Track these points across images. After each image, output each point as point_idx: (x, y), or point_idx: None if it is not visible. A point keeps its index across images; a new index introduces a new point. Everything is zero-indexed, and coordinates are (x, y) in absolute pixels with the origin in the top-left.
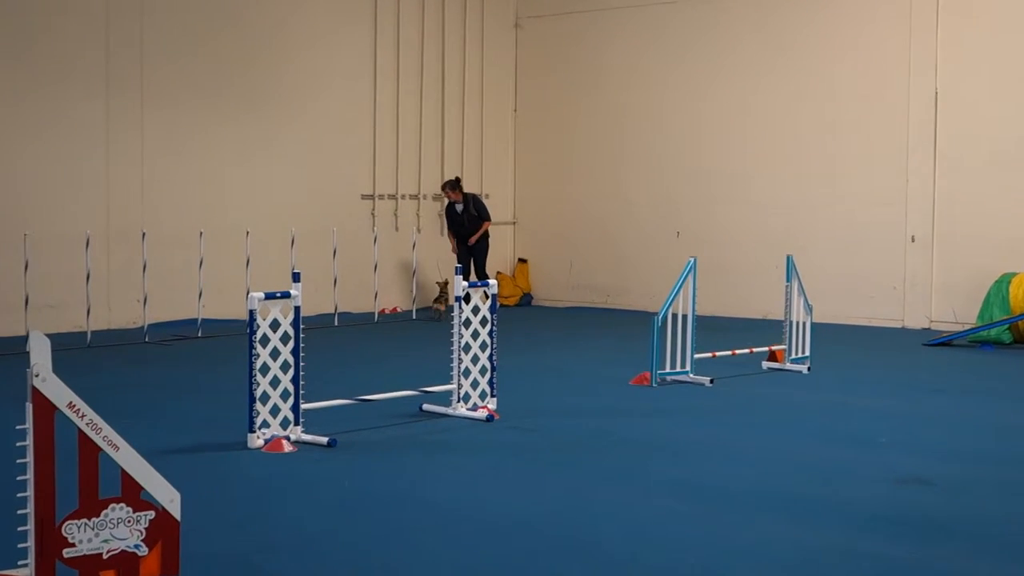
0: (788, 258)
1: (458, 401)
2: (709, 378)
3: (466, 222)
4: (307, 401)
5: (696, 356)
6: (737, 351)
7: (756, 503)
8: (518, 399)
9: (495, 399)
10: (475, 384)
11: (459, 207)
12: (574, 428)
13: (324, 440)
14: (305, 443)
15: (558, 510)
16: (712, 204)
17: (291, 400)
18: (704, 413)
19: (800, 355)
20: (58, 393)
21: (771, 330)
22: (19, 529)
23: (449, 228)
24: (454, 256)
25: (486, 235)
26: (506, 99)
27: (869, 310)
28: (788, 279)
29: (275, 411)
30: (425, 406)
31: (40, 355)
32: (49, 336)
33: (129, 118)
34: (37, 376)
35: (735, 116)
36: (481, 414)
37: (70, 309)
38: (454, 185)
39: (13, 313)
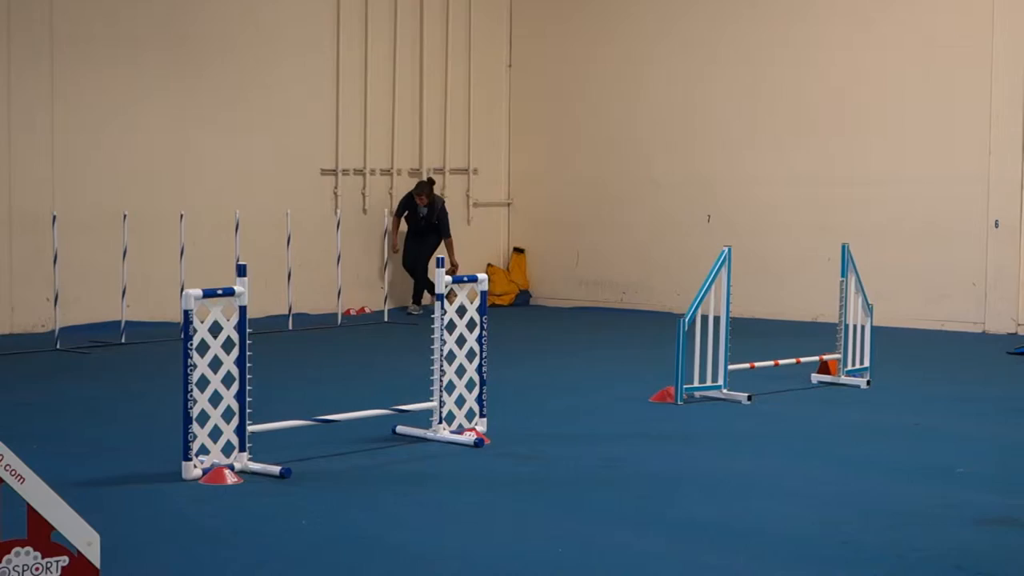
0: (843, 247)
1: (440, 422)
2: (746, 394)
3: (422, 225)
4: (255, 422)
5: (731, 367)
6: (781, 361)
7: (805, 552)
8: (513, 420)
9: (485, 420)
10: (460, 402)
11: (423, 211)
12: (581, 457)
13: (276, 470)
14: (253, 473)
15: (560, 560)
16: (750, 182)
17: (235, 421)
18: (740, 438)
19: (858, 366)
20: None
21: (822, 336)
22: None
23: (398, 216)
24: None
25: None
26: (498, 52)
27: (942, 311)
28: (843, 273)
29: (216, 435)
30: (399, 428)
31: None
32: None
33: (36, 78)
34: None
35: (780, 75)
36: (468, 438)
37: None
38: (428, 189)
39: None
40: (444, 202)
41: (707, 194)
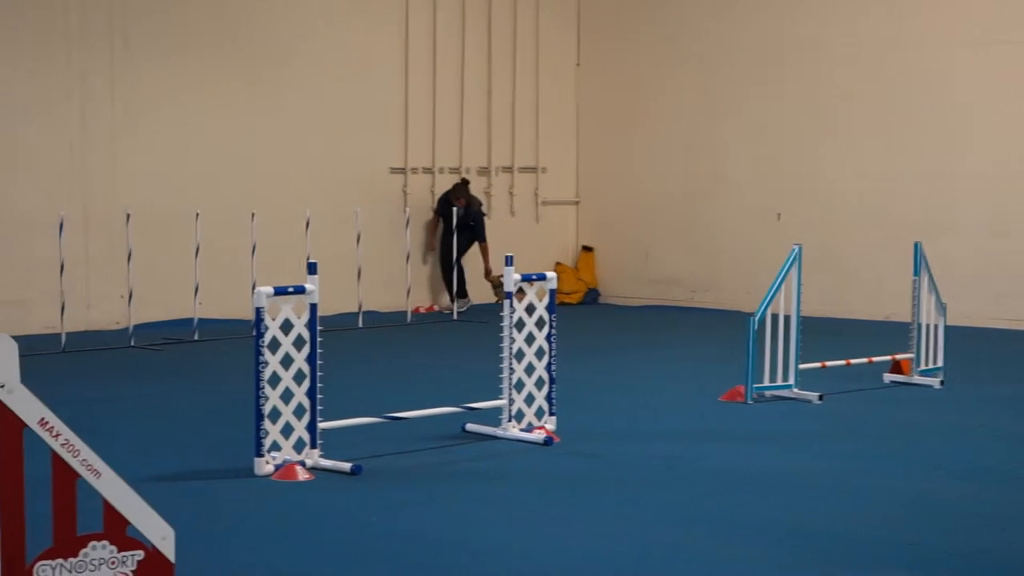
0: (916, 245)
1: (509, 420)
2: (817, 394)
3: (458, 225)
4: (326, 419)
5: (801, 366)
6: (852, 361)
7: (877, 555)
8: (582, 418)
9: (554, 418)
10: (530, 400)
11: (459, 211)
12: (649, 455)
13: (347, 467)
14: (324, 470)
15: (626, 559)
16: (821, 178)
17: (306, 418)
18: (810, 438)
19: (931, 366)
20: (28, 407)
21: (894, 335)
22: None
23: (439, 214)
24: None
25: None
26: (566, 51)
27: (1019, 310)
28: (916, 272)
29: (287, 431)
30: (469, 426)
31: (5, 362)
32: (16, 339)
33: (108, 78)
34: (2, 387)
35: (850, 72)
36: (537, 436)
37: (40, 307)
38: (465, 191)
39: None
40: (482, 204)
41: (777, 191)
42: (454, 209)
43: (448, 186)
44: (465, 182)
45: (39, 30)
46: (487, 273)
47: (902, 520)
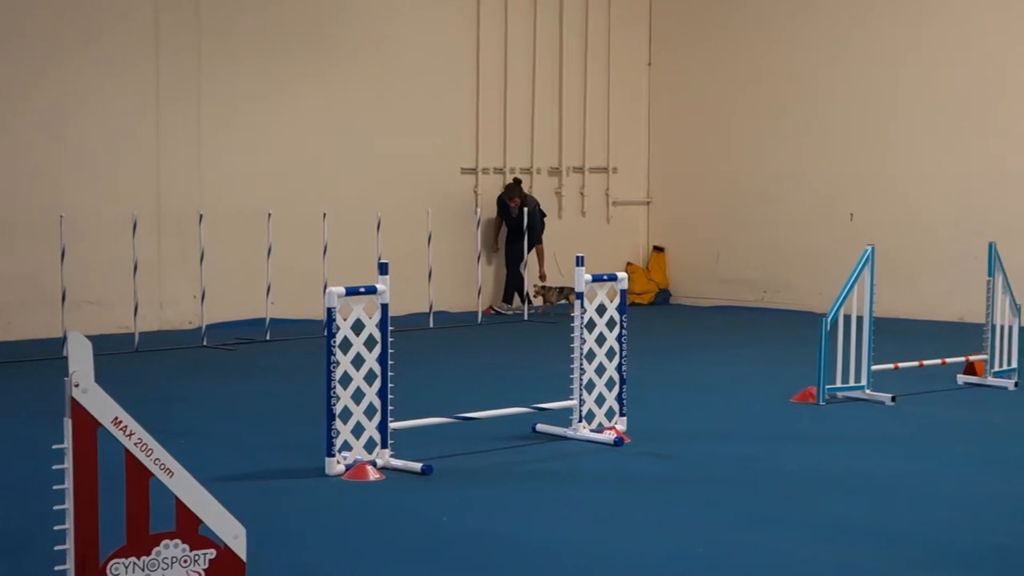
0: (990, 246)
1: (579, 421)
2: (890, 395)
3: (514, 225)
4: (397, 419)
5: (874, 368)
6: (925, 362)
7: (959, 558)
8: (653, 419)
9: (625, 419)
10: (600, 400)
11: (514, 212)
12: (721, 456)
13: (417, 467)
14: (394, 470)
15: (700, 559)
16: (894, 178)
17: (377, 418)
18: (883, 439)
19: (1005, 367)
20: (102, 407)
21: (968, 336)
22: (56, 568)
23: (500, 216)
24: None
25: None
26: (638, 51)
27: None
28: (990, 273)
29: (358, 431)
30: (539, 426)
31: (80, 361)
32: (90, 338)
33: (184, 82)
34: (77, 386)
35: (923, 72)
36: (608, 437)
37: (115, 306)
38: (518, 191)
39: (48, 310)
40: (538, 203)
41: (850, 192)
42: (512, 209)
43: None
44: (517, 181)
45: (124, 33)
46: (541, 278)
47: (983, 522)
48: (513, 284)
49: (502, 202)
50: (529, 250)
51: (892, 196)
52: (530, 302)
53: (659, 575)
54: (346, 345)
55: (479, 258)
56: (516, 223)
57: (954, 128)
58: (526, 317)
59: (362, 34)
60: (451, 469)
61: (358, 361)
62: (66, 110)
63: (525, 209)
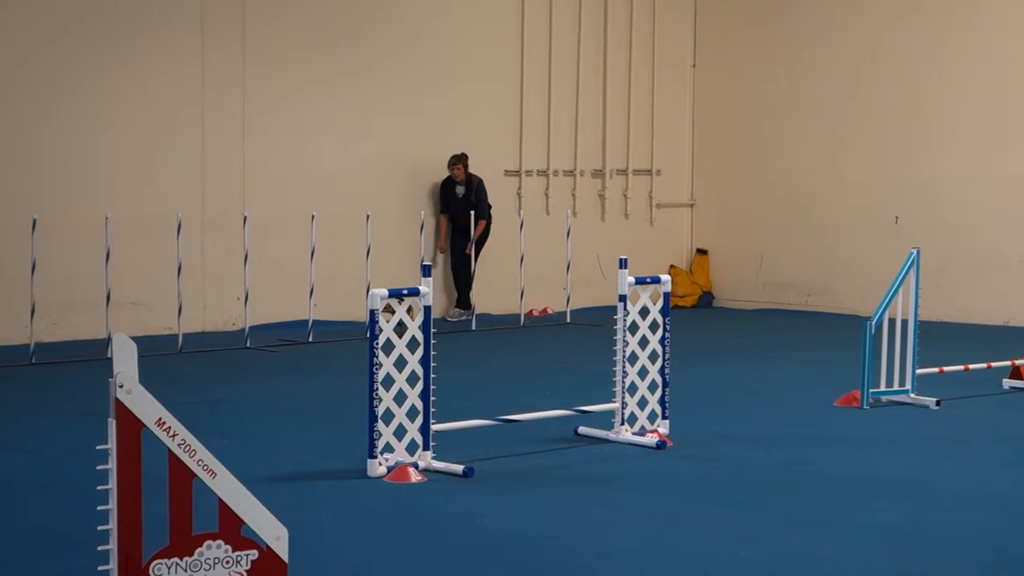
0: None
1: (622, 424)
2: (935, 399)
3: (461, 209)
4: (439, 421)
5: (919, 371)
6: (971, 366)
7: (999, 560)
8: (695, 422)
9: (667, 422)
10: (643, 403)
11: (460, 189)
12: (764, 459)
13: (459, 469)
14: (436, 472)
15: (744, 562)
16: (939, 181)
17: (419, 420)
18: (928, 443)
19: None
20: (146, 408)
21: (1014, 340)
22: (100, 568)
23: (442, 211)
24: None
25: (485, 234)
26: (682, 52)
27: None
28: None
29: (400, 433)
30: (581, 429)
31: (125, 362)
32: (135, 339)
33: (228, 83)
34: (121, 387)
35: (969, 73)
36: (650, 440)
37: (159, 307)
38: (462, 160)
39: (92, 311)
40: (482, 180)
41: (894, 194)
42: (455, 188)
43: (563, 189)
44: (464, 155)
45: (169, 33)
46: (466, 250)
47: None
48: (466, 284)
49: (445, 185)
50: (476, 223)
51: (937, 199)
52: (468, 307)
53: None
54: (389, 347)
55: (522, 260)
56: (463, 201)
57: (1000, 130)
58: (568, 319)
59: (406, 35)
60: (493, 471)
61: (400, 363)
62: (110, 111)
63: (470, 185)
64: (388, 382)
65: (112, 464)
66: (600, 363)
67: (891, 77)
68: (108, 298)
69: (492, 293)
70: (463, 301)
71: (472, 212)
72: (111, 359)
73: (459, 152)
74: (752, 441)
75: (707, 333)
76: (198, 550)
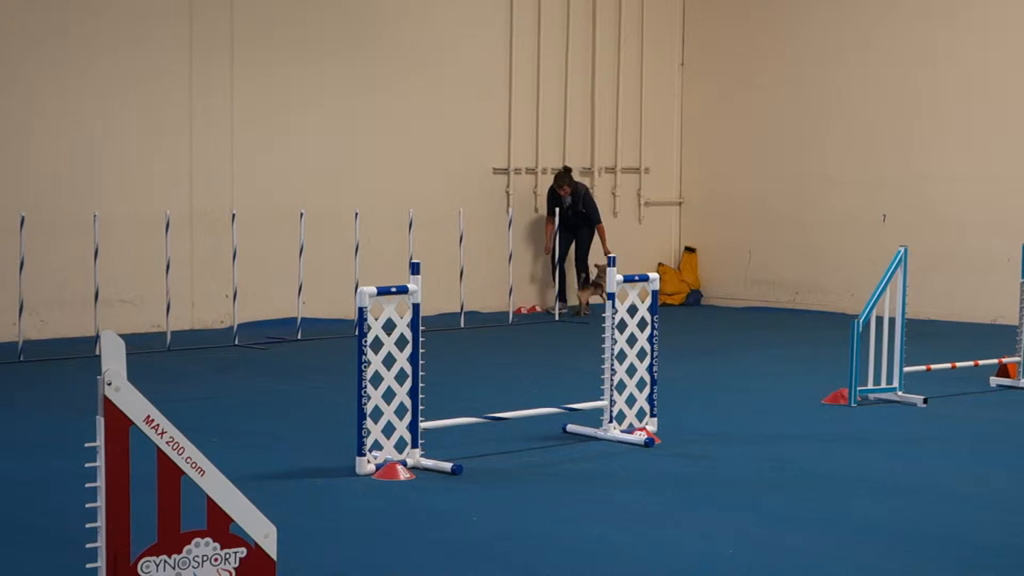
0: (1023, 247)
1: (610, 421)
2: (922, 397)
3: (569, 218)
4: (427, 419)
5: (906, 369)
6: (958, 364)
7: (990, 559)
8: (684, 420)
9: (655, 419)
10: (631, 401)
11: (567, 200)
12: (752, 457)
13: (447, 466)
14: (425, 469)
15: (731, 559)
16: (927, 180)
17: (408, 418)
18: (915, 441)
19: None
20: (134, 405)
21: (1001, 338)
22: (88, 566)
23: (549, 214)
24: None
25: (591, 234)
26: (670, 51)
27: None
28: None
29: (389, 431)
30: (570, 427)
31: (113, 360)
32: (123, 337)
33: (217, 80)
34: (109, 385)
35: (957, 67)
36: (638, 437)
37: (147, 305)
38: (568, 178)
39: (80, 309)
40: (588, 188)
41: (882, 193)
42: (563, 200)
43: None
44: (567, 169)
45: (158, 31)
46: (606, 253)
47: (1016, 524)
48: (563, 283)
49: (552, 193)
50: (592, 232)
51: (925, 197)
52: (566, 300)
53: (695, 574)
54: (377, 345)
55: (511, 258)
56: (571, 212)
57: (988, 128)
58: (556, 317)
59: (395, 34)
60: (481, 469)
61: (389, 361)
62: (99, 108)
63: (576, 196)
64: (377, 380)
65: (100, 461)
66: (589, 361)
67: (879, 76)
68: (96, 296)
69: (481, 291)
70: (563, 295)
71: (585, 221)
72: (99, 356)
73: (560, 169)
74: (740, 439)
75: (695, 331)
76: (186, 548)
